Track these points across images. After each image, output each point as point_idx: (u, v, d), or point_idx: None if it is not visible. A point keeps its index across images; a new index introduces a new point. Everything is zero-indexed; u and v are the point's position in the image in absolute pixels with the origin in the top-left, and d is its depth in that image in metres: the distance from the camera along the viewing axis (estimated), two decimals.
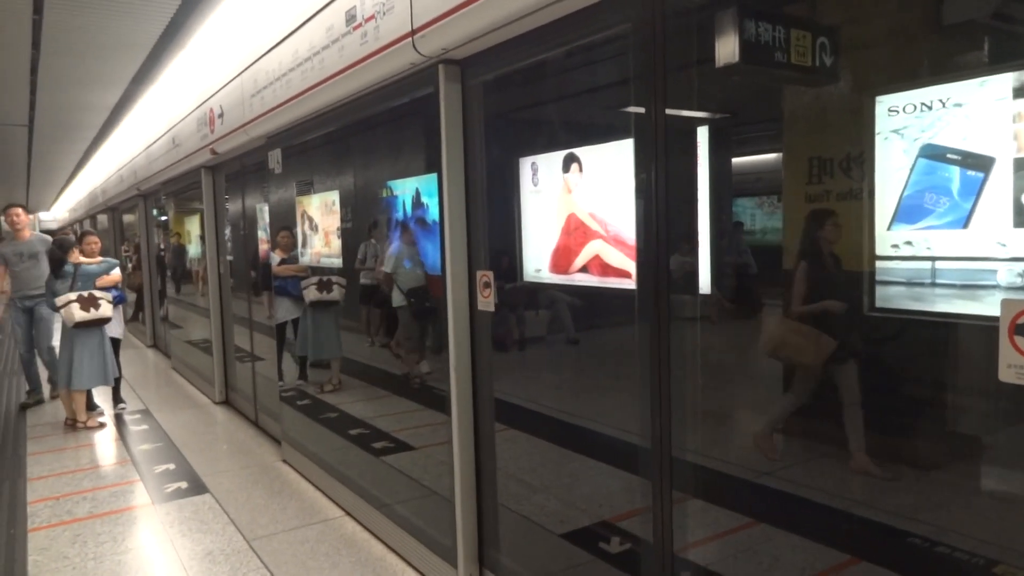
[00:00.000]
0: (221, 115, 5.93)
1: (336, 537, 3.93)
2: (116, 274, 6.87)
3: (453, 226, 2.77)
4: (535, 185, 4.21)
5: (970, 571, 2.78)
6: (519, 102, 6.53)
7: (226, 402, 7.54)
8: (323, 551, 3.76)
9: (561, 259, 4.12)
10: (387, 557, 3.63)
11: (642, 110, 2.20)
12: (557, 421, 4.62)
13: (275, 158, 5.26)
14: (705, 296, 3.94)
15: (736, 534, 3.21)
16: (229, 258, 7.76)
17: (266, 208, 6.54)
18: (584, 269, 3.95)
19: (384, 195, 7.21)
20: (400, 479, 4.15)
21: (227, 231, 7.79)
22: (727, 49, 3.66)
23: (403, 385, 6.04)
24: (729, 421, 4.96)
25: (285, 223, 6.09)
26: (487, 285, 2.65)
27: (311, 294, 5.80)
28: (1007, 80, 2.84)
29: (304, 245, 5.87)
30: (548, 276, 4.14)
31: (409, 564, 3.47)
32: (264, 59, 4.63)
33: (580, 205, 3.95)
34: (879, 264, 3.36)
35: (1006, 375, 1.11)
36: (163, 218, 10.86)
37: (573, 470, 4.07)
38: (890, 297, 3.34)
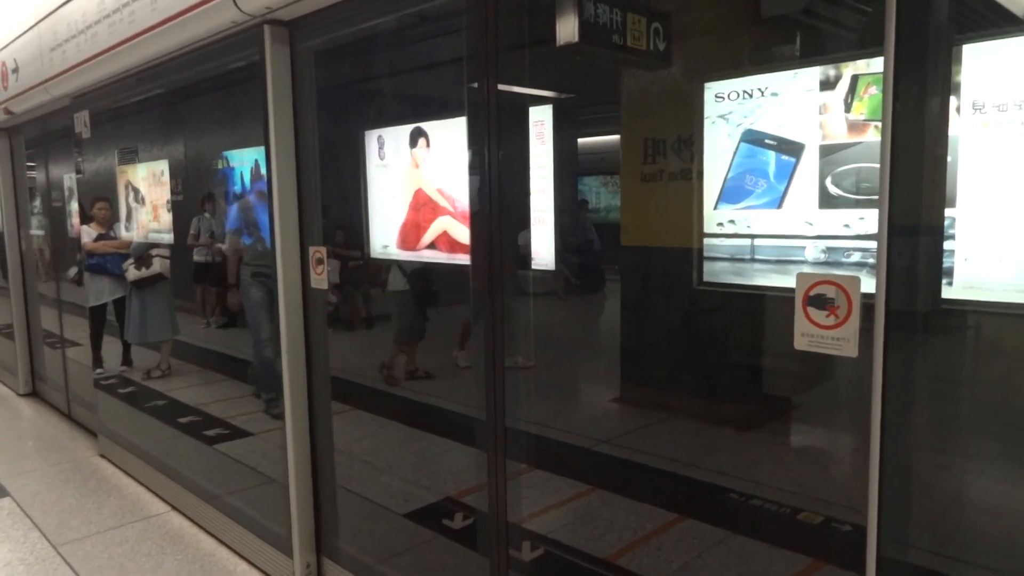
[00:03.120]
0: (16, 70, 5.20)
1: (160, 534, 3.63)
2: None
3: (283, 200, 2.59)
4: (382, 159, 4.09)
5: (778, 519, 3.03)
6: (362, 73, 6.30)
7: (33, 393, 6.75)
8: (145, 550, 3.46)
9: (409, 235, 4.04)
10: (218, 552, 3.40)
11: (475, 86, 2.16)
12: (401, 399, 4.56)
13: (82, 120, 4.71)
14: (551, 272, 4.02)
15: (575, 502, 3.31)
16: (39, 232, 6.94)
17: (75, 177, 5.87)
18: (432, 246, 3.90)
19: (220, 166, 6.74)
20: (234, 468, 3.90)
21: (36, 202, 6.95)
22: (567, 29, 3.72)
23: (242, 368, 5.71)
24: (569, 392, 5.15)
25: (103, 194, 5.51)
26: (320, 261, 2.53)
27: (131, 273, 5.30)
28: (815, 73, 3.08)
29: (129, 219, 5.35)
30: (396, 252, 4.05)
31: (242, 558, 3.27)
32: (65, 8, 4.09)
33: (428, 180, 3.89)
34: (706, 241, 3.57)
35: (800, 343, 1.19)
36: None
37: (419, 448, 4.04)
38: (716, 272, 3.57)
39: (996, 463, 3.51)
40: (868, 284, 1.16)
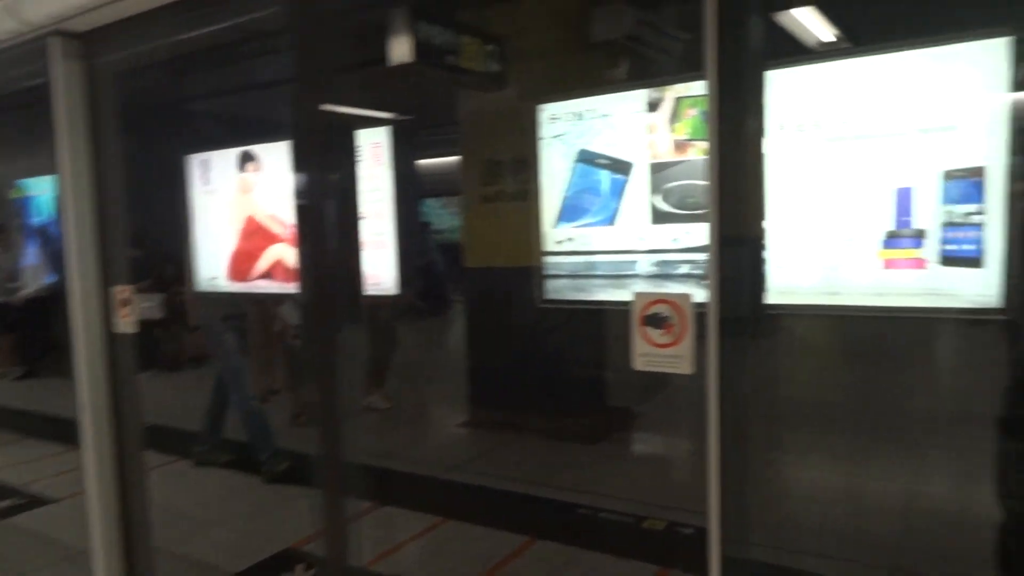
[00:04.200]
0: None
1: None
2: None
3: (80, 234, 2.26)
4: (206, 184, 3.79)
5: (625, 530, 3.06)
6: (182, 92, 5.85)
7: None
8: None
9: (240, 265, 3.75)
10: None
11: (300, 107, 2.01)
12: (233, 442, 4.20)
13: None
14: (394, 297, 3.88)
15: (426, 535, 3.18)
16: None
17: None
18: (267, 275, 3.65)
19: (14, 196, 6.00)
20: (30, 544, 3.38)
21: None
22: (401, 49, 3.65)
23: (45, 423, 5.01)
24: (417, 419, 5.00)
25: None
26: (126, 303, 2.24)
27: None
28: (641, 95, 3.22)
29: None
30: (225, 284, 3.74)
31: None
32: None
33: (260, 206, 3.65)
34: (547, 259, 3.61)
35: (638, 363, 1.17)
36: None
37: (258, 496, 3.72)
38: (558, 289, 3.61)
39: (813, 454, 3.81)
40: (699, 294, 1.17)
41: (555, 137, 3.62)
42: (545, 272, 3.71)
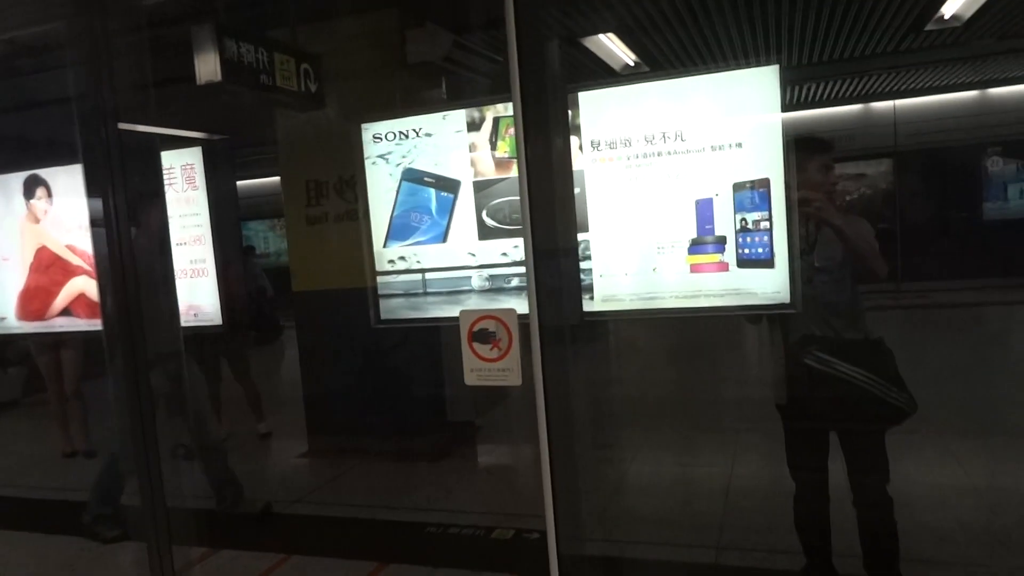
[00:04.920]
0: None
1: None
2: None
3: None
4: None
5: (475, 541, 3.10)
6: None
7: None
8: None
9: (33, 302, 3.37)
10: None
11: (90, 128, 1.87)
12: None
13: None
14: (217, 327, 3.67)
15: (268, 575, 3.02)
16: None
17: None
18: (67, 312, 3.31)
19: None
20: None
21: None
22: (208, 67, 3.46)
23: None
24: (255, 452, 4.75)
25: None
26: None
27: None
28: (462, 115, 3.29)
29: None
30: (16, 325, 3.36)
31: None
32: None
33: (53, 236, 3.31)
34: (380, 279, 3.57)
35: (470, 379, 1.21)
36: None
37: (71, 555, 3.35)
38: (393, 309, 3.58)
39: (644, 449, 4.07)
40: (525, 306, 1.23)
41: (380, 156, 3.61)
42: (378, 292, 3.68)
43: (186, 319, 3.38)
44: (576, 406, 1.40)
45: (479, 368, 1.19)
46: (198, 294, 3.57)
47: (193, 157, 3.63)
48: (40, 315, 3.33)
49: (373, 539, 3.23)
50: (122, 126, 1.90)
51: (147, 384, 1.74)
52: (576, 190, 2.52)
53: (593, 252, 2.75)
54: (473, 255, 3.41)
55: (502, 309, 1.15)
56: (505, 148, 3.24)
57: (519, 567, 2.83)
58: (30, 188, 3.34)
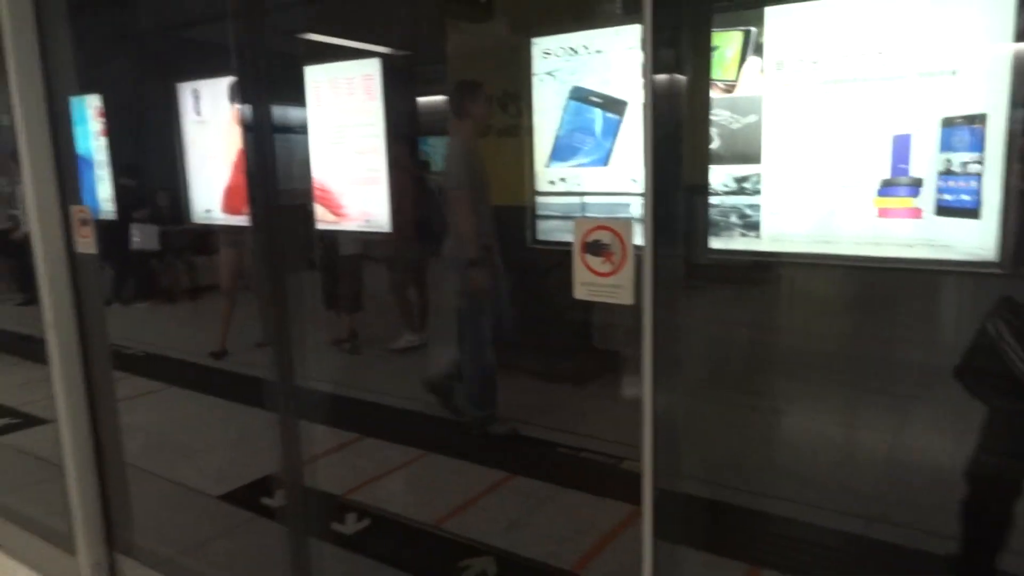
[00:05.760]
0: None
1: None
2: None
3: (35, 157, 2.22)
4: (198, 115, 3.70)
5: (604, 469, 3.08)
6: (158, 18, 5.70)
7: None
8: None
9: (234, 198, 3.70)
10: None
11: (244, 37, 1.94)
12: (226, 373, 4.24)
13: None
14: (384, 234, 3.84)
15: (404, 469, 3.22)
16: None
17: None
18: None
19: (6, 124, 5.86)
20: (18, 461, 3.46)
21: None
22: None
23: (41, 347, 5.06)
24: (407, 356, 5.04)
25: None
26: (84, 223, 2.21)
27: None
28: (636, 30, 3.10)
29: None
30: (220, 216, 3.71)
31: (22, 562, 2.90)
32: None
33: None
34: (538, 199, 3.55)
35: (580, 292, 1.14)
36: None
37: (243, 424, 3.77)
38: (549, 230, 3.56)
39: (799, 402, 3.81)
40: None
41: (548, 73, 3.51)
42: (537, 212, 3.65)
43: (359, 225, 3.57)
44: (709, 348, 1.29)
45: (590, 282, 1.12)
46: (371, 202, 3.74)
47: (372, 68, 3.73)
48: (238, 210, 3.63)
49: (505, 450, 3.31)
50: (304, 36, 1.95)
51: (281, 274, 1.85)
52: (751, 118, 2.30)
53: (764, 187, 2.52)
54: (635, 181, 3.28)
55: (618, 220, 1.06)
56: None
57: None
58: (234, 92, 3.58)
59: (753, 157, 2.35)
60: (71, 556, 2.58)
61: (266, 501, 2.89)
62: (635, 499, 2.88)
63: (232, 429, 3.71)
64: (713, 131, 2.18)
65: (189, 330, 5.90)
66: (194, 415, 3.99)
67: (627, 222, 1.07)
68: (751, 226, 2.42)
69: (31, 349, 5.20)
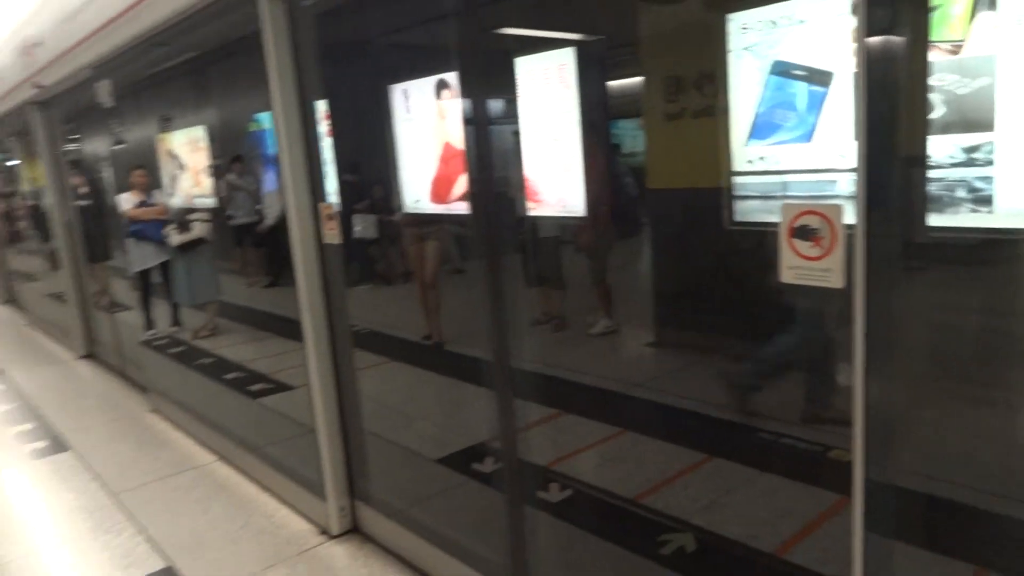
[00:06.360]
0: (39, 44, 5.32)
1: (208, 482, 3.83)
2: None
3: (292, 161, 2.62)
4: (408, 112, 4.07)
5: (807, 456, 3.01)
6: (376, 27, 6.24)
7: (90, 356, 7.10)
8: (194, 497, 3.66)
9: (440, 188, 4.02)
10: (260, 498, 3.58)
11: (463, 33, 2.13)
12: (442, 351, 4.63)
13: (105, 90, 4.79)
14: (579, 219, 3.97)
15: (605, 444, 3.35)
16: (85, 202, 7.15)
17: (112, 147, 6.01)
18: (463, 198, 3.89)
19: (252, 129, 6.76)
20: (275, 420, 4.07)
21: (83, 174, 7.17)
22: None
23: (285, 324, 5.87)
24: (603, 337, 5.15)
25: (140, 162, 5.64)
26: (331, 217, 2.56)
27: (173, 238, 5.46)
28: None
29: (172, 185, 5.48)
30: (428, 206, 4.06)
31: (283, 502, 3.43)
32: None
33: (454, 132, 3.87)
34: (736, 180, 3.48)
35: (787, 276, 1.17)
36: (9, 163, 9.87)
37: (456, 396, 4.12)
38: (747, 211, 3.48)
39: None
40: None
41: (745, 49, 3.42)
42: (734, 193, 3.59)
43: (555, 211, 3.73)
44: (932, 335, 1.26)
45: (797, 266, 1.14)
46: (566, 188, 3.87)
47: (567, 57, 3.85)
48: (444, 199, 3.94)
49: (702, 432, 3.33)
50: (501, 31, 2.12)
51: (499, 258, 2.03)
52: (982, 81, 2.12)
53: (998, 156, 2.30)
54: (843, 156, 3.11)
55: (827, 205, 1.07)
56: None
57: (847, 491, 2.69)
58: (439, 90, 3.88)
59: (984, 124, 2.16)
60: (321, 501, 3.03)
61: (477, 467, 3.15)
62: (843, 489, 2.80)
63: (445, 401, 4.06)
64: (935, 97, 2.03)
65: (403, 310, 6.48)
66: (412, 387, 4.42)
67: (837, 207, 1.08)
68: (983, 200, 2.22)
69: (277, 325, 6.03)
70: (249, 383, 4.77)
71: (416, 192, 4.00)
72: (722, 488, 2.83)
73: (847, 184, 3.13)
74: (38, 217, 8.98)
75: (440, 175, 3.96)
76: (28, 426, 5.11)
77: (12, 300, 10.92)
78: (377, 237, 7.11)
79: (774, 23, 3.26)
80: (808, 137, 3.21)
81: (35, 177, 8.80)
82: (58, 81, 5.43)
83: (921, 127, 1.68)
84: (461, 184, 3.86)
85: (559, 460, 3.19)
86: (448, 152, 3.91)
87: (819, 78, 3.16)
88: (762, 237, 3.80)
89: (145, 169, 5.65)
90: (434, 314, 5.22)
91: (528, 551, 2.37)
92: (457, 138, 3.79)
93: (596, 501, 2.87)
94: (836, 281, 1.11)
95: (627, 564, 2.58)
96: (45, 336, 8.27)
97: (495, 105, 2.23)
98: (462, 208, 3.85)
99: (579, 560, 2.67)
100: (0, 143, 9.93)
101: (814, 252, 1.13)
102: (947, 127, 2.07)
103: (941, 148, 2.05)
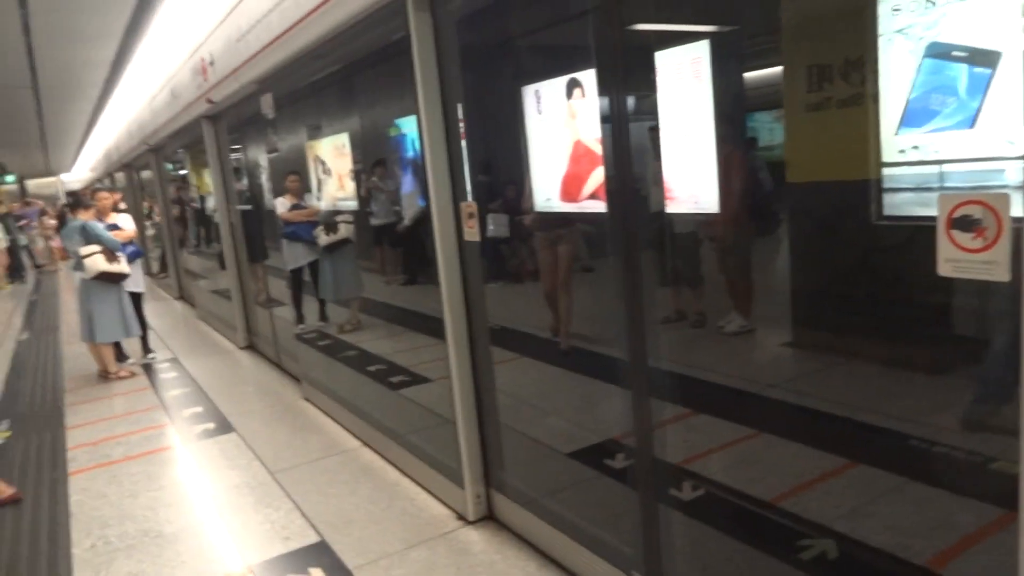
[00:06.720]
0: (212, 63, 5.88)
1: (355, 466, 4.10)
2: (130, 229, 6.98)
3: (435, 162, 2.76)
4: (540, 113, 4.15)
5: (965, 466, 2.81)
6: (509, 30, 6.36)
7: (250, 347, 7.76)
8: (342, 479, 3.94)
9: (570, 187, 4.07)
10: (401, 482, 3.79)
11: (601, 31, 2.16)
12: (575, 349, 4.68)
13: (267, 103, 5.24)
14: (712, 216, 3.90)
15: (739, 445, 3.28)
16: (246, 207, 7.81)
17: (268, 155, 6.54)
18: (593, 196, 3.92)
19: (393, 134, 7.10)
20: (414, 410, 4.28)
21: (243, 180, 7.85)
22: None
23: (421, 320, 6.15)
24: (736, 336, 5.00)
25: (293, 168, 6.11)
26: (471, 216, 2.67)
27: (321, 238, 5.87)
28: None
29: (319, 189, 5.89)
30: (558, 204, 4.12)
31: (423, 487, 3.62)
32: (247, 1, 4.56)
33: (585, 131, 3.91)
34: (886, 171, 3.29)
35: (944, 269, 1.12)
36: (182, 172, 10.95)
37: (586, 392, 4.16)
38: (899, 204, 3.28)
39: None
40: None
41: (897, 31, 3.21)
42: (884, 185, 3.39)
43: (688, 207, 3.67)
44: None
45: (957, 259, 1.09)
46: (699, 184, 3.80)
47: (700, 51, 3.78)
48: (575, 198, 3.98)
49: (846, 437, 3.18)
50: (633, 28, 2.13)
51: (637, 255, 2.04)
52: None
53: None
54: (1012, 143, 2.86)
55: (992, 194, 1.02)
56: None
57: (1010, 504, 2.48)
58: (570, 89, 3.92)
59: None
60: (459, 488, 3.17)
61: (608, 462, 3.18)
62: (1008, 503, 2.59)
63: (576, 397, 4.11)
64: None
65: (533, 307, 6.60)
66: (543, 382, 4.50)
67: (1003, 195, 1.03)
68: None
69: (414, 321, 6.33)
70: (389, 375, 5.04)
71: (547, 191, 4.07)
72: (867, 495, 2.69)
73: (1016, 173, 2.88)
74: (205, 221, 9.94)
75: (570, 173, 4.00)
76: (198, 409, 5.68)
77: (183, 296, 12.13)
78: (509, 236, 7.29)
79: (931, 2, 3.05)
80: (971, 123, 2.97)
81: (202, 184, 9.74)
82: (227, 96, 5.99)
83: None
84: (592, 182, 3.89)
85: (692, 459, 3.15)
86: (578, 150, 3.95)
87: (983, 59, 2.92)
88: (915, 232, 3.56)
89: (298, 175, 6.11)
90: (567, 320, 5.18)
91: (661, 546, 2.37)
92: (588, 136, 3.83)
93: (729, 502, 2.82)
94: (1001, 274, 1.05)
95: (764, 566, 2.51)
96: (211, 329, 9.13)
97: (630, 101, 2.25)
98: (593, 206, 3.89)
99: (713, 559, 2.64)
100: (174, 154, 11.04)
101: (976, 244, 1.07)
102: None
103: None
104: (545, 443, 3.52)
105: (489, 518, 3.24)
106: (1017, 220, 1.06)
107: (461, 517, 3.30)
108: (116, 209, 7.18)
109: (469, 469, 3.07)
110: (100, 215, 6.73)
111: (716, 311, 5.14)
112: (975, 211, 1.07)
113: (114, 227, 6.83)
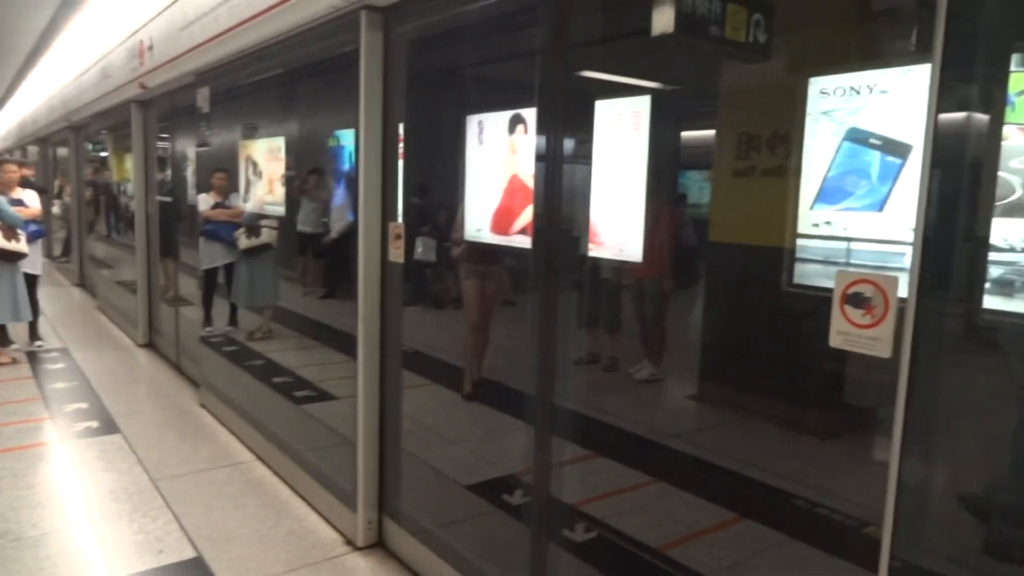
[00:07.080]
0: (151, 47, 5.68)
1: (244, 480, 3.93)
2: (35, 207, 6.59)
3: (369, 178, 2.73)
4: (480, 144, 4.17)
5: (841, 529, 2.93)
6: (459, 59, 6.43)
7: (149, 345, 7.39)
8: (229, 492, 3.76)
9: (502, 220, 4.09)
10: (292, 501, 3.65)
11: (545, 77, 2.21)
12: (487, 380, 4.65)
13: (203, 96, 5.08)
14: (635, 264, 3.98)
15: (635, 491, 3.31)
16: (166, 199, 7.52)
17: (197, 149, 6.33)
18: (523, 231, 3.95)
19: (332, 144, 7.00)
20: (315, 427, 4.15)
21: (167, 171, 7.55)
22: (663, 19, 3.66)
23: (335, 336, 6.01)
24: (645, 385, 5.10)
25: (221, 165, 5.92)
26: (398, 236, 2.65)
27: (242, 241, 5.68)
28: (930, 69, 2.91)
29: (247, 190, 5.72)
30: (488, 236, 4.13)
31: (313, 508, 3.50)
32: None
33: (523, 167, 3.94)
34: (799, 242, 3.45)
35: (835, 340, 1.17)
36: (102, 153, 10.45)
37: (491, 425, 4.14)
38: (808, 274, 3.44)
39: None
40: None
41: (823, 113, 3.41)
42: (796, 255, 3.56)
43: (613, 253, 3.74)
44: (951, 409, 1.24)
45: (847, 332, 1.15)
46: (625, 231, 3.89)
47: (642, 105, 3.89)
48: (505, 231, 4.00)
49: (735, 491, 3.27)
50: (581, 74, 2.18)
51: (555, 295, 2.06)
52: None
53: None
54: (914, 230, 3.05)
55: (882, 275, 1.08)
56: None
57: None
58: (513, 124, 3.97)
59: None
60: (351, 512, 3.07)
61: (506, 497, 3.16)
62: (871, 566, 2.71)
63: (480, 429, 4.08)
64: (1014, 180, 2.00)
65: (451, 335, 6.56)
66: (448, 411, 4.45)
67: (892, 278, 1.09)
68: None
69: (328, 336, 6.17)
70: (294, 388, 4.89)
71: (479, 221, 4.08)
72: (749, 550, 2.76)
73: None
74: (119, 208, 9.48)
75: (503, 206, 4.03)
76: (83, 405, 5.34)
77: (84, 284, 11.48)
78: (435, 261, 7.25)
79: (856, 90, 3.26)
80: (880, 207, 3.17)
81: (122, 170, 9.31)
82: (162, 83, 5.78)
83: (987, 208, 1.67)
84: (523, 218, 3.93)
85: (587, 501, 3.17)
86: (514, 185, 3.99)
87: (896, 149, 3.14)
88: (820, 303, 3.75)
89: (226, 172, 5.92)
90: (480, 356, 5.09)
91: None
92: (524, 172, 3.88)
93: (619, 547, 2.84)
94: (883, 351, 1.11)
95: None
96: (109, 321, 8.65)
97: (568, 143, 2.29)
98: (521, 241, 3.92)
99: None
100: (96, 135, 10.53)
101: (865, 320, 1.13)
102: None
103: (1018, 231, 2.01)
104: (445, 473, 3.47)
105: (379, 545, 3.16)
106: (902, 300, 1.12)
107: (350, 542, 3.20)
108: (24, 183, 6.76)
109: (364, 493, 2.99)
110: (4, 188, 6.33)
111: (629, 357, 5.25)
112: (867, 289, 1.13)
113: (18, 202, 6.42)
